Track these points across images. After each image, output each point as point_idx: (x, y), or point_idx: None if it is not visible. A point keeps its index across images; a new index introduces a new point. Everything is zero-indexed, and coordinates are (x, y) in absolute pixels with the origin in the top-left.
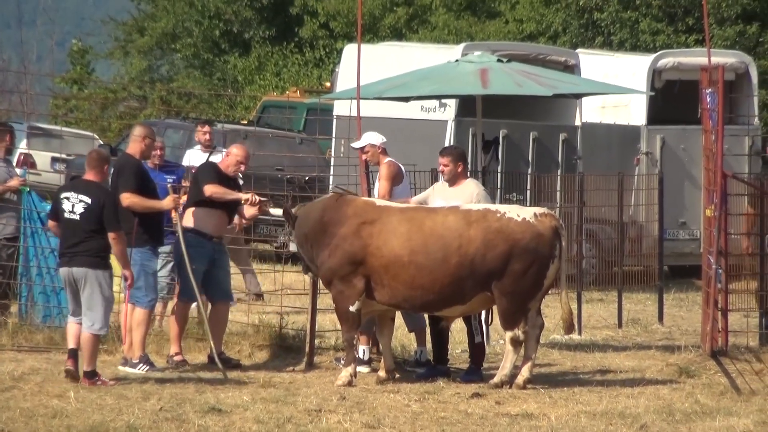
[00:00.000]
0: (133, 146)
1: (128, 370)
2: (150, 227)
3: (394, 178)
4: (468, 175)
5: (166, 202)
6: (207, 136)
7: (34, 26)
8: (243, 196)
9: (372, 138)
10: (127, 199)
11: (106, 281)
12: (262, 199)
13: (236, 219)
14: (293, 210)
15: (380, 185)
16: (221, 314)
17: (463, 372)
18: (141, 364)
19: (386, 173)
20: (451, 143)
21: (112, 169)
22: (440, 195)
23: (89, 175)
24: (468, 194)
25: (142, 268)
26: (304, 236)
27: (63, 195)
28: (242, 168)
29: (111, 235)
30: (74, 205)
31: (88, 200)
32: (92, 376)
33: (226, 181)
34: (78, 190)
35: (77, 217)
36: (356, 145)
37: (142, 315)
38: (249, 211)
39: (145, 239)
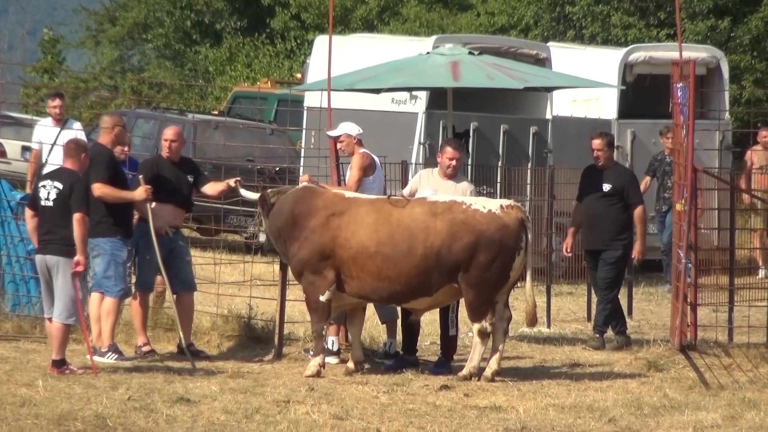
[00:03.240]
0: (104, 137)
1: (97, 359)
2: (119, 217)
3: (365, 169)
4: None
5: (138, 193)
6: (57, 110)
7: (5, 15)
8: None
9: (348, 128)
10: (99, 189)
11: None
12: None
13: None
14: (270, 195)
15: (350, 174)
16: (185, 305)
17: (432, 364)
18: (110, 353)
19: (358, 163)
20: (422, 135)
21: None
22: (432, 185)
23: (67, 164)
24: (461, 191)
25: (112, 257)
26: (278, 230)
27: (41, 183)
28: (175, 146)
29: (75, 216)
30: (49, 192)
31: (60, 186)
32: (61, 365)
33: (174, 167)
34: (53, 178)
35: (51, 204)
36: (332, 133)
37: (111, 304)
38: (213, 188)
39: (115, 229)
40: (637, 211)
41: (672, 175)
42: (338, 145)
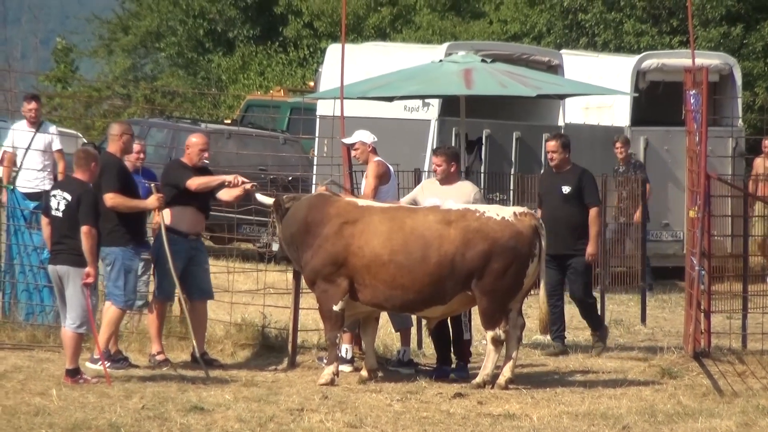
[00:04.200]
0: (113, 145)
1: (89, 366)
2: (132, 226)
3: (381, 177)
4: (461, 175)
5: (150, 202)
6: (32, 113)
7: (18, 24)
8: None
9: (363, 136)
10: (111, 199)
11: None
12: (234, 180)
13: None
14: (285, 201)
15: (366, 183)
16: (200, 313)
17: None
18: (101, 361)
19: (374, 171)
20: (435, 143)
21: None
22: (433, 193)
23: (77, 174)
24: (465, 194)
25: (122, 266)
26: (291, 236)
27: (52, 192)
28: (206, 155)
29: (83, 229)
30: (59, 202)
31: (69, 197)
32: (74, 374)
33: (195, 173)
34: (63, 188)
35: (60, 214)
36: (347, 141)
37: (115, 314)
38: (228, 194)
39: (128, 238)
40: (592, 212)
41: (624, 185)
42: (352, 153)
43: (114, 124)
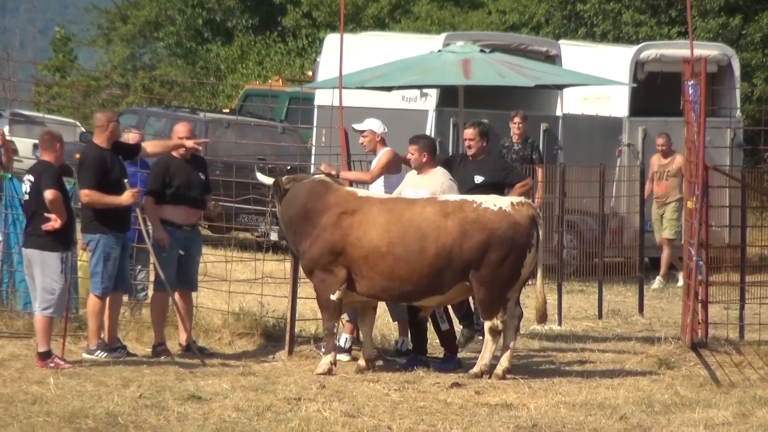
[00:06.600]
0: (100, 136)
1: (86, 356)
2: (114, 213)
3: (389, 166)
4: (435, 164)
5: (125, 198)
6: None
7: (17, 13)
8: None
9: (374, 125)
10: (87, 197)
11: (58, 263)
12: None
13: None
14: (284, 182)
15: (373, 168)
16: (186, 303)
17: (438, 361)
18: (98, 351)
19: (384, 160)
20: (433, 133)
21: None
22: (410, 183)
23: (43, 156)
24: (435, 183)
25: (103, 253)
26: (289, 219)
27: (23, 180)
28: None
29: (45, 195)
30: (25, 187)
31: (32, 178)
32: (45, 357)
33: (189, 163)
34: (28, 172)
35: (27, 197)
36: (358, 127)
37: (95, 304)
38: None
39: (110, 225)
40: (519, 184)
41: (519, 163)
42: (360, 140)
43: (98, 114)
